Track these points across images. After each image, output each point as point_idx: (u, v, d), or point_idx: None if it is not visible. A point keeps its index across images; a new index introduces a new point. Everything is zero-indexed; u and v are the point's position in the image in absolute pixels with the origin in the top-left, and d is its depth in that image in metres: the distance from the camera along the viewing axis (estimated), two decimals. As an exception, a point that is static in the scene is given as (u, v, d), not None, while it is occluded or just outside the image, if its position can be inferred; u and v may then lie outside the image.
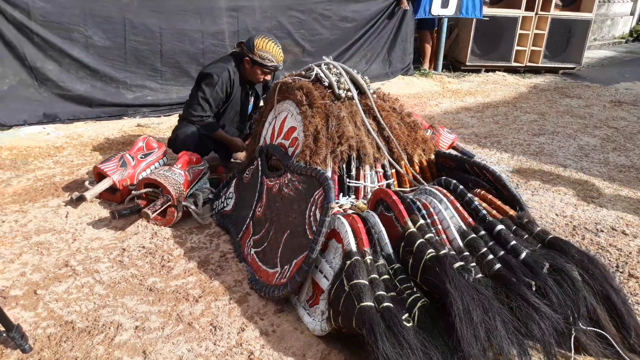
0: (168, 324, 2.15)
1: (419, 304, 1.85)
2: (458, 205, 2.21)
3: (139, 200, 2.98)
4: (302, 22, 5.93)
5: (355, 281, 1.86)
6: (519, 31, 7.48)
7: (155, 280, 2.44)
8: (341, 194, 2.50)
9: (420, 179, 2.61)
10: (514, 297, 1.91)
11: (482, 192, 2.49)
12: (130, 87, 5.34)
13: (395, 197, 2.11)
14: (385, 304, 1.81)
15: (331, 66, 2.68)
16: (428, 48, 7.30)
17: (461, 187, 2.30)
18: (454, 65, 7.78)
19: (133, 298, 2.31)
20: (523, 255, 2.03)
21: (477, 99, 6.10)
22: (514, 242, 2.07)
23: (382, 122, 2.59)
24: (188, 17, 5.36)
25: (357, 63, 6.52)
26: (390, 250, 2.04)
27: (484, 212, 2.20)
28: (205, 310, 2.24)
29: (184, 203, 2.91)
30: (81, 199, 3.08)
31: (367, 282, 1.87)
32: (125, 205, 3.05)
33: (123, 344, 2.03)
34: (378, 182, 2.62)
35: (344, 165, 2.54)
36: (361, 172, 2.56)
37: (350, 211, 2.39)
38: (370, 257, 1.97)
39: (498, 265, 2.02)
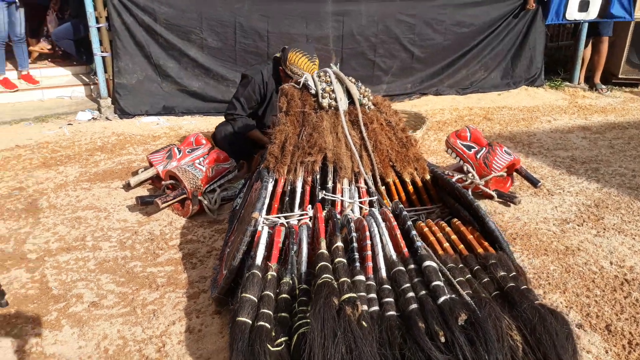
0: (118, 305, 2.33)
1: (301, 330, 1.74)
2: (397, 232, 2.00)
3: (168, 190, 3.24)
4: (411, 26, 5.74)
5: (243, 294, 1.83)
6: (694, 39, 6.23)
7: (137, 264, 2.66)
8: (310, 206, 2.42)
9: (382, 199, 2.40)
10: (411, 344, 1.68)
11: (458, 222, 2.21)
12: (239, 86, 5.75)
13: (320, 215, 2.00)
14: (260, 322, 1.74)
15: (322, 74, 2.59)
16: (598, 58, 6.36)
17: (405, 212, 2.08)
18: (606, 77, 6.77)
19: (109, 277, 2.55)
20: (441, 299, 1.77)
21: (607, 117, 5.26)
22: (437, 282, 1.81)
23: (364, 135, 2.44)
24: (294, 21, 5.58)
25: (474, 71, 6.10)
26: (304, 269, 1.95)
27: (419, 244, 1.95)
28: (157, 299, 2.38)
29: (199, 197, 3.09)
30: (128, 184, 3.46)
31: (253, 297, 1.82)
32: (159, 192, 3.35)
33: (73, 314, 2.27)
34: (360, 198, 2.48)
35: (318, 177, 2.45)
36: (338, 185, 2.45)
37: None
38: (274, 272, 1.90)
39: (414, 306, 1.79)
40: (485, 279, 1.97)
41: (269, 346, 1.68)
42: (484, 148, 3.40)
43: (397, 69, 5.89)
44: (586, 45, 6.36)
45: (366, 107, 2.58)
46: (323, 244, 1.91)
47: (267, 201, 2.39)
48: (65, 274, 2.57)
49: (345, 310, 1.69)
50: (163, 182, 3.26)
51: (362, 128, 2.46)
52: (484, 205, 3.31)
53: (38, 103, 5.94)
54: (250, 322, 1.77)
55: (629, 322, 2.27)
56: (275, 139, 2.42)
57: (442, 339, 1.70)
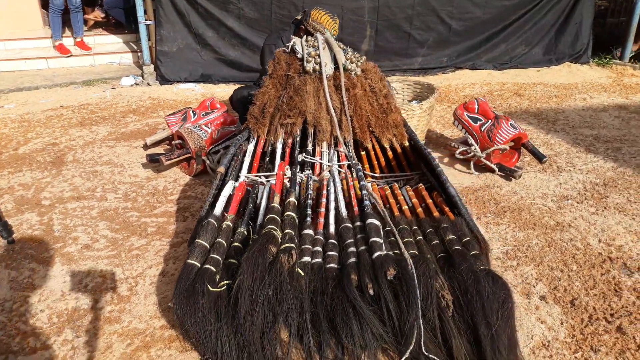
0: (107, 248, 2.55)
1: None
2: (352, 192, 2.07)
3: (177, 149, 3.43)
4: (450, -2, 5.60)
5: (196, 240, 1.97)
6: None
7: (134, 214, 2.87)
8: (288, 166, 2.52)
9: (356, 162, 2.44)
10: (340, 293, 1.77)
11: (422, 187, 2.24)
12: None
13: (280, 171, 2.09)
14: (206, 266, 1.88)
15: (310, 39, 2.64)
16: None
17: (360, 173, 2.13)
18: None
19: (107, 224, 2.78)
20: (375, 255, 1.83)
21: (651, 97, 4.95)
22: (374, 238, 1.87)
23: (344, 100, 2.49)
24: (330, -8, 5.58)
25: (514, 46, 5.87)
26: (260, 222, 2.06)
27: (367, 202, 2.00)
28: (143, 245, 2.57)
29: (203, 157, 3.25)
30: (146, 144, 3.69)
31: (204, 243, 1.95)
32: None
33: (65, 254, 2.51)
34: (340, 161, 2.54)
35: (298, 139, 2.54)
36: (317, 148, 2.53)
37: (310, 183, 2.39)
38: (229, 223, 2.03)
39: (352, 260, 1.87)
40: (435, 241, 2.01)
41: (208, 286, 1.81)
42: (490, 121, 3.34)
43: (433, 42, 5.79)
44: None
45: (352, 72, 2.62)
46: (276, 198, 2.01)
47: (247, 160, 2.52)
48: (69, 219, 2.82)
49: (280, 257, 1.79)
50: (173, 142, 3.45)
51: (343, 93, 2.51)
52: (483, 177, 3.28)
53: (89, 68, 6.33)
54: (199, 265, 1.91)
55: (596, 298, 2.23)
56: (257, 101, 2.52)
57: (371, 292, 1.77)
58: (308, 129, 2.52)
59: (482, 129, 3.32)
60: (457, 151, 3.41)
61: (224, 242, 1.97)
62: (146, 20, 5.74)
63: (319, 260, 1.91)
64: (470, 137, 3.36)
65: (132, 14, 6.58)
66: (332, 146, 2.53)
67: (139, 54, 6.49)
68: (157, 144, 3.79)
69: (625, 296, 2.24)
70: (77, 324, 2.05)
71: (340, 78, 2.54)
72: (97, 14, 6.83)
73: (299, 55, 2.60)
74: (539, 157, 3.29)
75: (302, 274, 1.82)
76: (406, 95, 3.94)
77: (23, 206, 2.97)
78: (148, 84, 5.77)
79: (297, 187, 2.13)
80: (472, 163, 3.36)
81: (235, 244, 1.99)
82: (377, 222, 1.92)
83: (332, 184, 2.10)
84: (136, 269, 2.39)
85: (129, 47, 6.69)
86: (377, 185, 2.50)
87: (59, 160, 3.64)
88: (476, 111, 3.44)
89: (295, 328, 1.67)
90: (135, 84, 5.80)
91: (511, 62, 5.90)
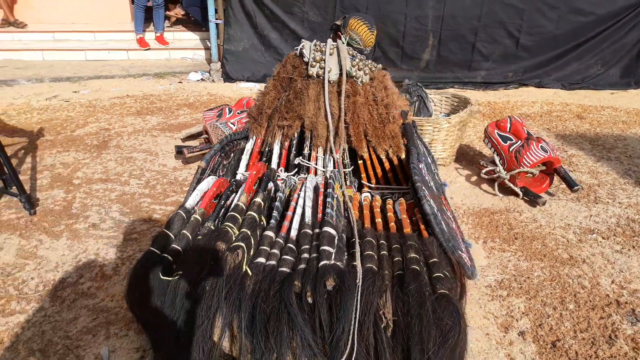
0: (111, 230, 2.71)
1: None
2: (320, 199, 2.05)
3: (206, 143, 3.57)
4: (519, 11, 5.33)
5: (163, 229, 2.04)
6: None
7: (147, 200, 3.02)
8: (281, 169, 2.53)
9: (342, 165, 2.39)
10: (279, 297, 1.76)
11: (402, 200, 2.18)
12: (334, 60, 5.89)
13: (253, 172, 2.12)
14: (165, 254, 1.95)
15: (318, 43, 2.63)
16: None
17: (331, 181, 2.09)
18: None
19: (119, 207, 2.95)
20: (322, 263, 1.80)
21: None
22: (325, 247, 1.83)
23: (342, 107, 2.46)
24: (394, -1, 5.53)
25: (588, 65, 5.47)
26: (227, 218, 2.10)
27: (329, 210, 1.97)
28: (143, 230, 2.71)
29: (225, 153, 3.36)
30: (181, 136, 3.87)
31: (169, 232, 2.02)
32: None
33: (74, 230, 2.70)
34: (335, 167, 2.52)
35: (295, 142, 2.56)
36: (313, 153, 2.53)
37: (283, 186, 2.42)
38: (197, 216, 2.08)
39: (302, 266, 1.85)
40: (397, 258, 1.94)
41: (160, 274, 1.88)
42: (520, 141, 3.15)
43: (498, 56, 5.54)
44: None
45: (358, 80, 2.59)
46: (242, 197, 2.04)
47: (245, 157, 2.57)
48: (90, 199, 3.03)
49: (226, 255, 1.82)
50: (202, 136, 3.59)
51: (342, 99, 2.48)
52: (506, 200, 3.10)
53: (164, 62, 6.73)
54: (159, 252, 1.98)
55: (583, 343, 2.04)
56: (257, 101, 2.57)
57: (310, 300, 1.74)
58: (305, 132, 2.53)
59: (511, 149, 3.14)
60: (483, 170, 3.25)
61: (188, 234, 2.03)
62: (216, 19, 6.00)
63: (273, 262, 1.91)
64: (497, 156, 3.19)
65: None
66: (328, 152, 2.51)
67: (210, 51, 6.81)
68: (192, 137, 3.95)
69: (618, 345, 2.03)
70: (57, 294, 2.20)
71: (342, 84, 2.52)
72: (178, 11, 7.24)
73: (306, 59, 2.61)
74: (570, 185, 3.05)
75: (250, 273, 1.83)
76: (444, 108, 3.81)
77: (56, 183, 3.23)
78: (213, 81, 6.03)
79: (270, 187, 2.14)
80: (496, 184, 3.19)
81: (200, 237, 2.04)
82: (332, 231, 1.88)
83: (303, 188, 2.09)
84: (128, 251, 2.52)
85: (203, 44, 7.02)
86: (371, 195, 2.45)
87: (103, 144, 3.91)
88: (508, 130, 3.26)
89: (229, 326, 1.69)
90: (202, 79, 6.08)
91: (583, 82, 5.50)
